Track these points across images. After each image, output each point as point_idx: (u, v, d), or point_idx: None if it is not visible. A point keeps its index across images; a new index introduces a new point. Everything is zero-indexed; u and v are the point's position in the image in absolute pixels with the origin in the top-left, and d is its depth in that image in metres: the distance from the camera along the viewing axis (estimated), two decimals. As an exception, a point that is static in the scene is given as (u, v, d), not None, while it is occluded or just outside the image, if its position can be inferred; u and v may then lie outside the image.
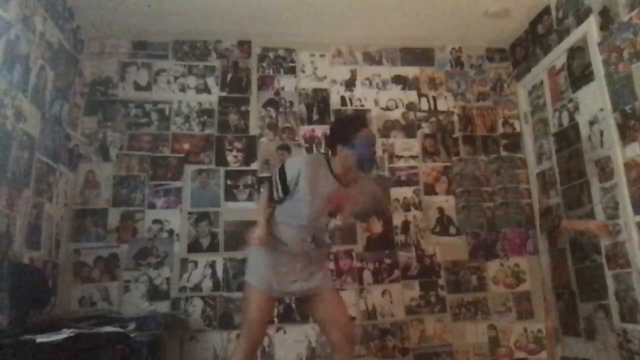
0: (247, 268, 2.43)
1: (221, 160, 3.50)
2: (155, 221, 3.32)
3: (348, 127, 2.26)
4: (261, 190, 2.38)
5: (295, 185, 2.17)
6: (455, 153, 3.76)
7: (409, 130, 3.77)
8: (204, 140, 3.53)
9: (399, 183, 3.63)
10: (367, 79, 3.84)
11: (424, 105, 3.85)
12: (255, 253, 2.32)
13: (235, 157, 3.52)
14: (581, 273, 3.12)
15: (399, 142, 3.72)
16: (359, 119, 2.41)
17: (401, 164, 3.68)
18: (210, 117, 3.58)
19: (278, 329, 3.21)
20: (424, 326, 3.36)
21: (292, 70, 3.77)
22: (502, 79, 3.98)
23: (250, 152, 3.55)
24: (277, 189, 2.21)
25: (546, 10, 3.45)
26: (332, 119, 3.67)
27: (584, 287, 3.10)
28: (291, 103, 3.69)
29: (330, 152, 2.31)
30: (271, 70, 3.76)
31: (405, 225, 3.55)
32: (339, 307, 2.34)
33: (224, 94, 3.65)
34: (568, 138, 3.24)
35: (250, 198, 3.42)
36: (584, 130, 3.08)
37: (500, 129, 3.87)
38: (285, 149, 3.58)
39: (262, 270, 2.25)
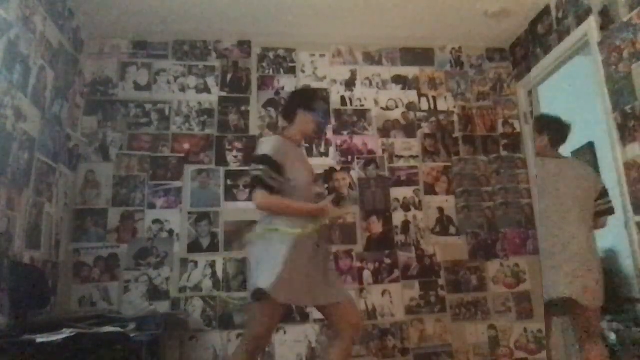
0: (259, 270, 2.02)
1: (221, 160, 3.50)
2: (155, 221, 3.32)
3: (311, 94, 2.47)
4: (255, 194, 2.07)
5: (283, 165, 2.11)
6: (455, 153, 3.76)
7: (409, 130, 3.77)
8: (204, 140, 3.53)
9: (399, 183, 3.63)
10: (367, 79, 3.84)
11: (424, 105, 3.85)
12: (272, 250, 2.03)
13: (235, 157, 3.52)
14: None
15: (399, 142, 3.72)
16: (318, 90, 2.64)
17: (401, 164, 3.68)
18: (210, 117, 3.58)
19: (278, 329, 3.20)
20: (424, 326, 3.36)
21: (292, 70, 3.77)
22: (502, 79, 3.98)
23: (250, 152, 3.52)
24: (272, 177, 2.06)
25: (546, 10, 3.45)
26: (332, 118, 3.67)
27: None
28: (291, 103, 3.69)
29: (287, 121, 2.36)
30: (271, 70, 3.75)
31: (405, 225, 3.55)
32: (352, 312, 2.19)
33: (224, 94, 3.65)
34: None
35: (250, 198, 3.41)
36: None
37: (500, 129, 3.87)
38: (285, 149, 3.58)
39: (288, 273, 1.96)
